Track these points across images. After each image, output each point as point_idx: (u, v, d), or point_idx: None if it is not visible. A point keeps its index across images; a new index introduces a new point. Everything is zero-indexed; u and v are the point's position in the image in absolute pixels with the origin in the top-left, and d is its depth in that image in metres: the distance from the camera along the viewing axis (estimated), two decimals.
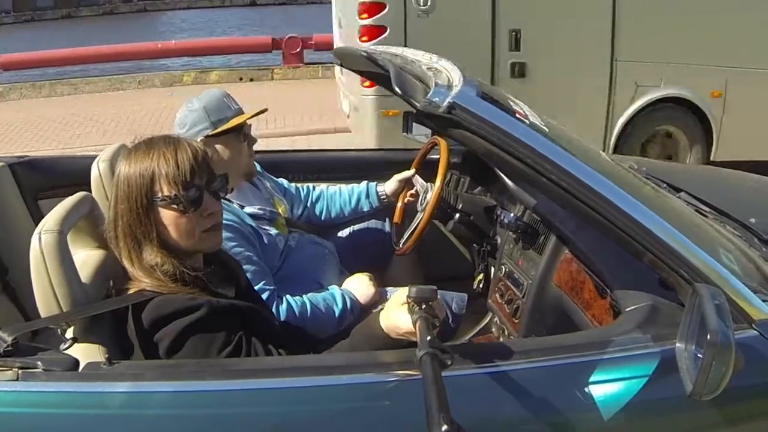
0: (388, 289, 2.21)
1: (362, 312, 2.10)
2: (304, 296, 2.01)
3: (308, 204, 2.47)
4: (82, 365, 1.20)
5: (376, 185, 2.47)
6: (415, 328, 1.15)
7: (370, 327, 1.37)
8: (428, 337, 1.08)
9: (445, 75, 1.47)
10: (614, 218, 1.30)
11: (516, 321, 1.99)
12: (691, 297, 1.24)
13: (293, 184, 2.46)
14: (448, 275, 2.68)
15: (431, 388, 0.97)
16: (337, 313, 2.02)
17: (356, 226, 2.52)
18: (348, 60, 2.23)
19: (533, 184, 1.34)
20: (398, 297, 1.32)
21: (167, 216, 1.39)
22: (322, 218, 2.49)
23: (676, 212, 1.46)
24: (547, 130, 1.45)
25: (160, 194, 1.38)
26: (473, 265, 2.73)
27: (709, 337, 1.08)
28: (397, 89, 1.39)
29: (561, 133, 1.48)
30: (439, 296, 1.22)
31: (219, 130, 2.02)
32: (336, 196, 2.47)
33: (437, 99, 1.30)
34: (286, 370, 1.23)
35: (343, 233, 2.52)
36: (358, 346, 1.39)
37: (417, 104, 1.35)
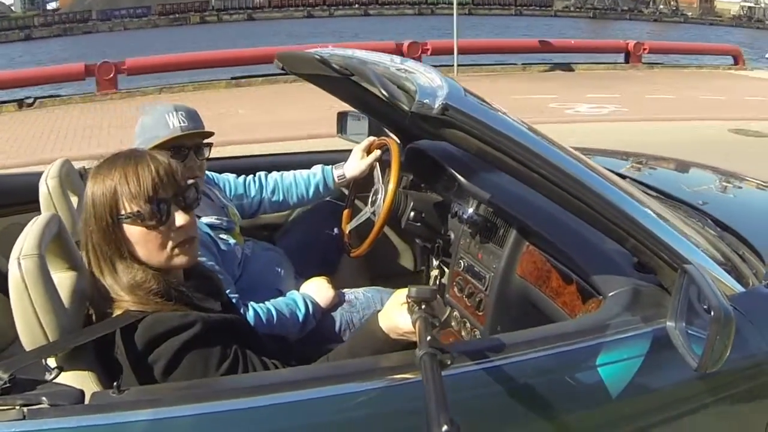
0: (345, 291, 2.22)
1: (323, 315, 2.12)
2: (267, 303, 2.00)
3: (262, 195, 2.41)
4: (87, 395, 1.13)
5: (332, 169, 2.44)
6: (414, 328, 1.16)
7: (370, 328, 1.37)
8: (428, 337, 1.09)
9: (421, 76, 1.48)
10: (601, 208, 1.37)
11: (480, 314, 2.03)
12: (679, 278, 1.32)
13: (241, 178, 2.40)
14: (393, 272, 2.72)
15: (431, 387, 0.97)
16: (300, 318, 2.04)
17: (304, 230, 2.51)
18: (292, 63, 2.19)
19: (524, 180, 1.38)
20: (398, 297, 1.33)
21: (134, 233, 1.34)
22: (278, 208, 2.46)
23: (647, 199, 1.55)
24: (527, 127, 1.49)
25: (123, 212, 1.33)
26: (416, 262, 2.78)
27: (713, 313, 1.16)
28: (383, 91, 1.38)
29: (537, 132, 1.54)
30: (438, 297, 1.23)
31: (148, 147, 1.91)
32: (292, 187, 2.43)
33: (428, 101, 1.31)
34: (306, 381, 1.20)
35: (292, 238, 2.49)
36: (358, 347, 1.38)
37: (404, 107, 1.35)
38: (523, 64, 15.61)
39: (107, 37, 42.64)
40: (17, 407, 1.06)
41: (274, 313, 1.98)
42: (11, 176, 2.24)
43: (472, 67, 14.61)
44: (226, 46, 17.66)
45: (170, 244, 1.37)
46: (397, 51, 13.52)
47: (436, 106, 1.29)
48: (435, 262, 2.39)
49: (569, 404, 1.31)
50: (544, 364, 1.30)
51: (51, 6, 64.91)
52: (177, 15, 52.59)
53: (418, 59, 13.72)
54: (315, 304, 2.10)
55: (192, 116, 2.02)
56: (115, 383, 1.13)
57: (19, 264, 1.20)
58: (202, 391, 1.18)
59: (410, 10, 56.27)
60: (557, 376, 1.31)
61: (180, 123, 1.98)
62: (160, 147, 1.92)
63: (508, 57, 16.32)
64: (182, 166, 1.93)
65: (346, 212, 2.45)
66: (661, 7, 58.62)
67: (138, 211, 1.32)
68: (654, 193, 2.04)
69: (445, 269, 2.33)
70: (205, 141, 2.04)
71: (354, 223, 2.36)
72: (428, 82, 1.42)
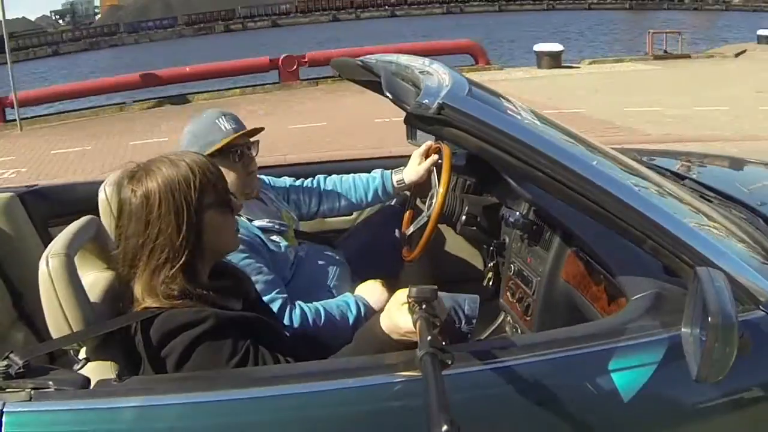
0: None
1: None
2: (317, 303, 2.02)
3: (321, 198, 2.45)
4: (93, 383, 1.21)
5: (392, 174, 2.45)
6: (415, 328, 1.15)
7: (372, 329, 1.38)
8: (428, 337, 1.08)
9: (436, 77, 1.48)
10: (610, 206, 1.31)
11: (528, 319, 1.98)
12: (692, 281, 1.23)
13: (299, 180, 2.45)
14: (460, 278, 2.68)
15: (431, 387, 0.97)
16: (351, 320, 2.02)
17: (366, 235, 2.53)
18: (346, 70, 2.25)
19: (528, 179, 1.35)
20: (399, 297, 1.32)
21: (218, 219, 1.45)
22: (337, 211, 2.50)
23: (675, 198, 1.45)
24: (539, 124, 1.45)
25: (211, 199, 1.43)
26: (485, 267, 2.73)
27: (710, 318, 1.08)
28: (387, 94, 1.40)
29: (555, 126, 1.49)
30: (439, 296, 1.21)
31: (207, 152, 1.97)
32: (351, 191, 2.46)
33: (427, 101, 1.31)
34: (295, 377, 1.23)
35: (353, 242, 2.52)
36: (361, 349, 1.40)
37: (408, 107, 1.36)
38: (135, 101, 14.08)
39: (134, 49, 43.62)
40: (27, 390, 1.17)
41: (322, 313, 1.99)
42: (74, 185, 2.43)
43: (57, 116, 13.38)
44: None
45: (234, 229, 1.51)
46: None
47: (433, 106, 1.29)
48: (489, 265, 2.35)
49: (578, 409, 1.26)
50: (550, 367, 1.26)
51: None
52: (202, 24, 53.18)
53: None
54: (367, 307, 2.08)
55: (235, 118, 2.10)
56: (116, 373, 1.22)
57: (47, 262, 1.32)
58: (195, 382, 1.24)
59: (438, 9, 54.31)
60: (563, 381, 1.27)
61: (231, 125, 2.06)
62: (218, 151, 2.01)
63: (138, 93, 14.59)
64: (240, 165, 2.05)
65: (407, 215, 2.45)
66: None
67: (227, 198, 1.46)
68: (711, 195, 1.91)
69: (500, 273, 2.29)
70: (252, 139, 2.12)
71: (413, 227, 2.36)
72: (436, 82, 1.42)
